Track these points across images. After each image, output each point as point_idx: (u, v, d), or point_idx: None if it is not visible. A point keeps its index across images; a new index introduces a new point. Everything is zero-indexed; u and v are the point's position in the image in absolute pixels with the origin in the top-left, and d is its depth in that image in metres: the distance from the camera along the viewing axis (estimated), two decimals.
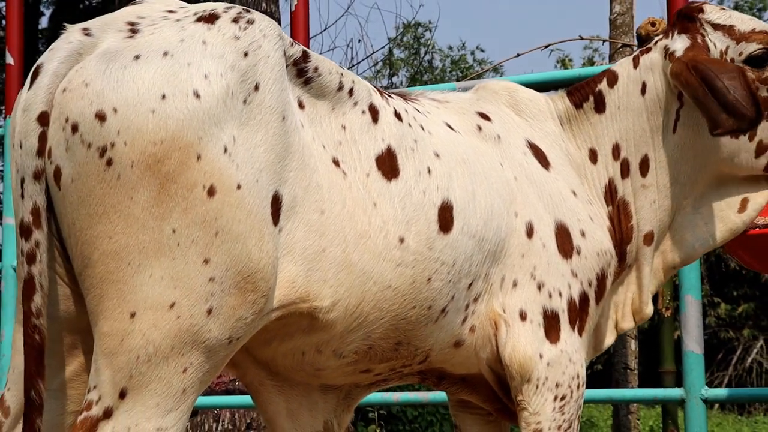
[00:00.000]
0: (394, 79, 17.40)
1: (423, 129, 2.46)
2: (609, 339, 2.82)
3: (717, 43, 2.69)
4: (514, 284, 2.50)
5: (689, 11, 2.76)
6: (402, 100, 2.53)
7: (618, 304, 2.81)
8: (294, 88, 2.23)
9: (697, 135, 2.71)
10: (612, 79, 2.81)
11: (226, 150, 1.99)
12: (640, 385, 5.67)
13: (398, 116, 2.41)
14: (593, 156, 2.78)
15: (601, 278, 2.64)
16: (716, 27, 2.71)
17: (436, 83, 17.39)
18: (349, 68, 11.08)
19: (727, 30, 2.70)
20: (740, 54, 2.67)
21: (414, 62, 18.16)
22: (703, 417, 3.82)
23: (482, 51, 18.98)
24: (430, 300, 2.35)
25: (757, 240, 2.97)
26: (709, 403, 3.87)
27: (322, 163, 2.20)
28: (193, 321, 1.95)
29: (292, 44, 2.25)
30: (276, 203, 2.08)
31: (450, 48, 19.22)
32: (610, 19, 5.05)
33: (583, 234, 2.61)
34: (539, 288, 2.52)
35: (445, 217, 2.36)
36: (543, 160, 2.67)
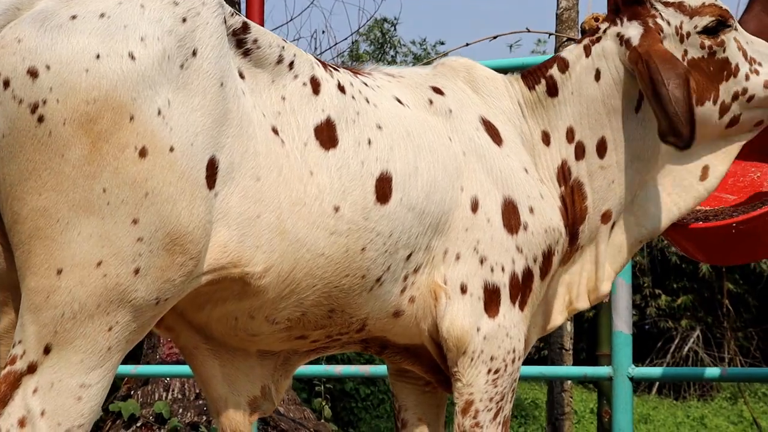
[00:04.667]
0: None
1: (368, 102, 2.38)
2: (558, 319, 2.73)
3: (671, 20, 2.64)
4: (457, 257, 2.42)
5: None
6: (350, 74, 2.44)
7: (572, 284, 2.72)
8: (234, 57, 2.15)
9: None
10: (563, 65, 2.71)
11: (159, 112, 1.91)
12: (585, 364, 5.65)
13: (341, 89, 2.33)
14: (546, 138, 2.69)
15: (548, 255, 2.55)
16: (666, 4, 2.66)
17: None
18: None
19: (678, 6, 2.66)
20: (695, 27, 2.63)
21: (379, 57, 18.09)
22: (629, 394, 3.84)
23: (442, 44, 18.86)
24: (363, 269, 2.27)
25: (700, 233, 2.90)
26: (635, 381, 3.86)
27: (260, 131, 2.13)
28: (120, 280, 1.88)
29: (233, 14, 2.17)
30: (212, 168, 2.01)
31: (413, 43, 19.17)
32: (556, 14, 5.02)
33: (531, 210, 2.52)
34: (481, 262, 2.44)
35: (383, 189, 2.28)
36: (496, 136, 2.57)
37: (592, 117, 2.67)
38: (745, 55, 2.68)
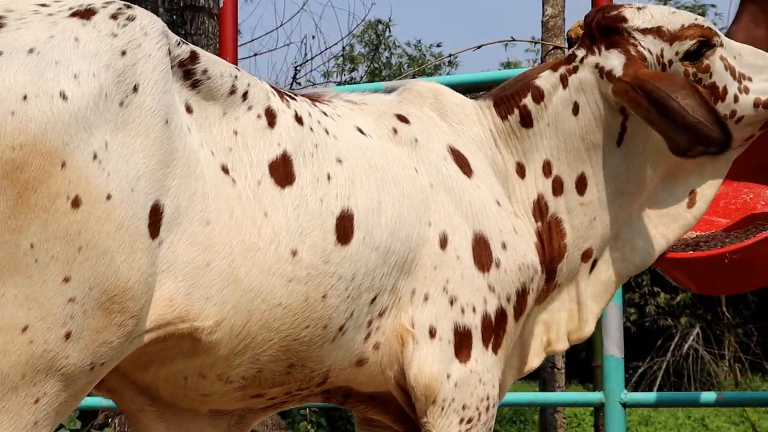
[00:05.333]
0: (354, 74, 17.16)
1: (327, 133, 2.21)
2: (535, 360, 2.55)
3: (651, 48, 2.45)
4: (425, 298, 2.25)
5: (611, 22, 2.49)
6: (309, 103, 2.27)
7: (550, 324, 2.55)
8: (181, 90, 1.97)
9: (647, 141, 2.48)
10: (537, 95, 2.53)
11: (95, 157, 1.74)
12: (580, 376, 5.49)
13: (299, 120, 2.16)
14: (520, 170, 2.51)
15: (522, 294, 2.38)
16: (645, 32, 2.46)
17: (394, 77, 17.19)
18: (303, 63, 10.93)
19: (656, 32, 2.46)
20: (677, 54, 2.45)
21: (374, 58, 17.92)
22: (622, 421, 3.67)
23: (439, 46, 18.68)
24: (325, 318, 2.09)
25: (691, 262, 2.72)
26: (628, 407, 3.68)
27: (209, 171, 1.95)
28: (48, 346, 1.69)
29: (179, 44, 2.00)
30: (156, 214, 1.83)
31: (408, 44, 18.98)
32: (542, 22, 4.86)
33: (504, 246, 2.35)
34: (451, 302, 2.26)
35: (344, 227, 2.10)
36: (465, 166, 2.40)
37: (571, 152, 2.50)
38: (733, 73, 2.51)
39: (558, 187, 2.50)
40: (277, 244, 2.01)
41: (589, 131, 2.49)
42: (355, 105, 2.41)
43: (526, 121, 2.53)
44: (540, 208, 2.50)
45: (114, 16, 1.87)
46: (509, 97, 2.57)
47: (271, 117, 2.11)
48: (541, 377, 4.77)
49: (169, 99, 1.90)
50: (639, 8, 2.50)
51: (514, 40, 4.68)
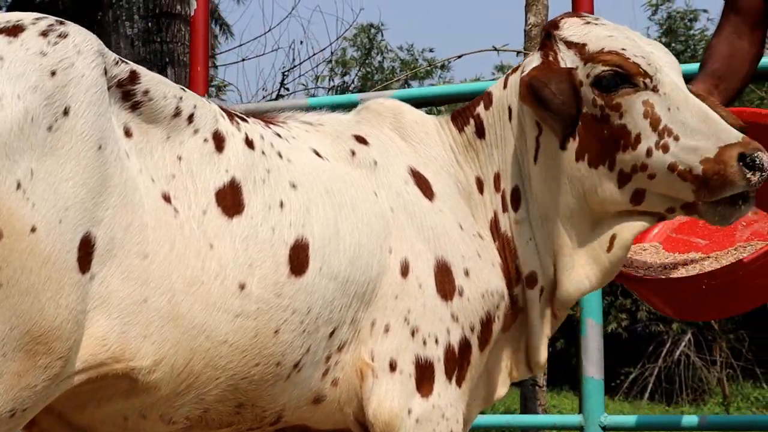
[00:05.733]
0: (346, 78, 17.03)
1: (281, 157, 2.09)
2: (502, 390, 2.44)
3: (568, 62, 2.30)
4: (386, 329, 2.13)
5: (548, 27, 2.38)
6: (262, 125, 2.16)
7: (513, 352, 2.43)
8: (119, 113, 1.85)
9: (556, 164, 2.31)
10: (488, 102, 2.43)
11: (19, 186, 1.62)
12: (570, 381, 5.35)
13: (250, 143, 2.04)
14: (480, 185, 2.40)
15: (487, 322, 2.26)
16: (569, 45, 2.31)
17: (385, 81, 17.06)
18: (291, 68, 10.81)
19: (579, 48, 2.29)
20: (587, 76, 2.26)
21: (366, 62, 17.80)
22: None
23: (431, 51, 18.53)
24: (278, 355, 1.96)
25: (667, 287, 2.58)
26: (608, 430, 3.55)
27: (149, 199, 1.83)
28: None
29: (118, 63, 1.87)
30: (86, 246, 1.71)
31: (400, 48, 18.86)
32: (525, 30, 4.75)
33: (466, 273, 2.24)
34: (413, 334, 2.14)
35: (299, 258, 1.99)
36: (426, 189, 2.29)
37: (509, 163, 2.38)
38: (655, 124, 2.23)
39: (504, 203, 2.39)
40: (223, 278, 1.89)
41: (519, 139, 2.37)
42: (312, 126, 2.30)
43: (480, 131, 2.42)
44: (497, 227, 2.38)
45: (44, 33, 1.76)
46: (466, 108, 2.47)
47: (219, 141, 2.00)
48: (522, 394, 4.65)
49: (104, 122, 1.79)
50: (587, 22, 2.35)
51: (495, 49, 4.56)
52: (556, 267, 2.36)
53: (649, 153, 2.23)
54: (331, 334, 2.07)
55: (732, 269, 2.44)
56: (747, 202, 2.22)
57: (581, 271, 2.34)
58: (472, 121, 2.43)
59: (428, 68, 17.59)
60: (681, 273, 2.60)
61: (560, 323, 2.50)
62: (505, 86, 2.41)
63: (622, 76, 2.24)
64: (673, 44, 16.39)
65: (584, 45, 2.29)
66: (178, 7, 5.52)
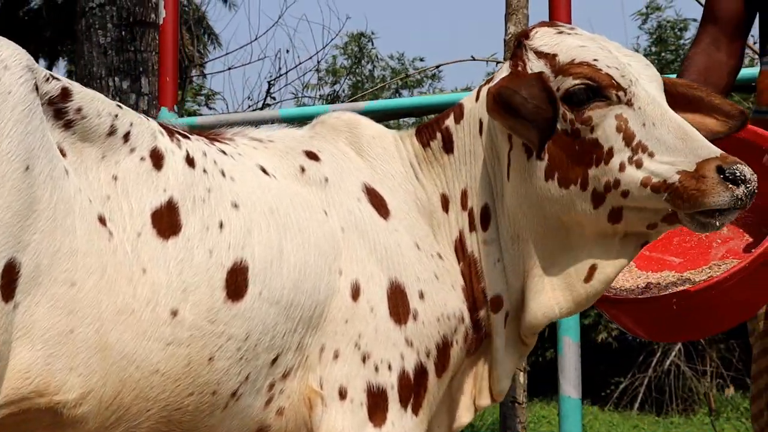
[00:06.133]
0: (336, 87, 16.96)
1: (223, 175, 1.99)
2: (466, 416, 2.31)
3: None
4: (335, 355, 2.03)
5: (519, 36, 2.27)
6: (205, 142, 2.06)
7: (477, 378, 2.31)
8: (52, 131, 1.75)
9: (527, 182, 2.18)
10: (459, 114, 2.31)
11: None
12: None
13: (190, 161, 1.94)
14: (445, 203, 2.27)
15: (444, 347, 2.15)
16: (540, 55, 2.18)
17: (377, 91, 16.99)
18: (277, 77, 10.73)
19: (550, 59, 2.16)
20: (557, 89, 2.13)
21: (356, 71, 17.72)
22: None
23: (422, 60, 18.46)
24: (213, 384, 1.86)
25: (638, 308, 2.46)
26: None
27: (82, 223, 1.73)
28: None
29: (49, 79, 1.77)
30: (10, 273, 1.61)
31: (391, 57, 18.78)
32: (504, 40, 4.64)
33: (422, 295, 2.13)
34: (364, 360, 2.04)
35: (237, 281, 1.89)
36: (382, 207, 2.18)
37: (478, 179, 2.26)
38: (629, 139, 2.11)
39: (472, 222, 2.26)
40: (155, 305, 1.80)
41: (490, 155, 2.25)
42: (260, 143, 2.20)
43: (448, 145, 2.30)
44: (462, 247, 2.26)
45: None
46: (434, 121, 2.35)
47: (157, 159, 1.90)
48: (502, 413, 4.53)
49: (33, 141, 1.69)
50: (560, 32, 2.23)
51: (474, 59, 4.46)
52: (525, 290, 2.23)
53: (621, 167, 2.10)
54: (274, 360, 1.97)
55: (704, 288, 2.33)
56: (726, 212, 2.08)
57: (551, 295, 2.22)
58: (439, 135, 2.31)
59: (418, 77, 17.52)
60: (653, 293, 2.48)
61: (529, 350, 2.38)
62: (477, 98, 2.29)
63: (594, 89, 2.12)
64: (663, 54, 16.33)
65: (555, 55, 2.17)
66: (153, 15, 5.41)
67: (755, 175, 2.07)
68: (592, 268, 2.19)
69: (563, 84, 2.13)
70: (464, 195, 2.27)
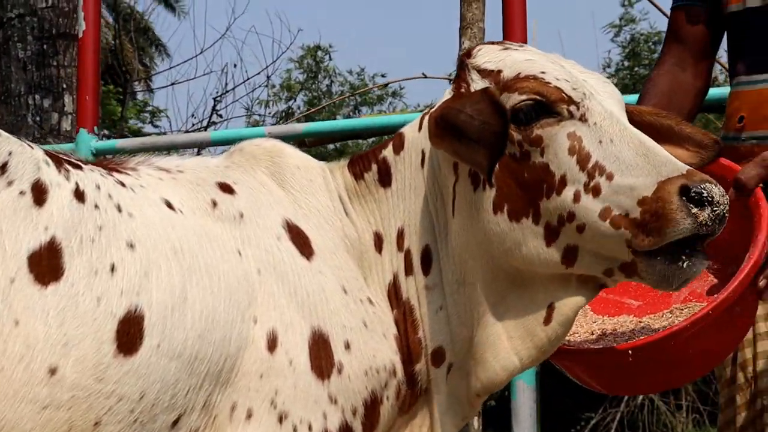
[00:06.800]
0: (291, 103, 16.86)
1: (119, 210, 1.87)
2: None
3: None
4: (248, 415, 1.92)
5: (461, 56, 2.18)
6: (101, 173, 1.94)
7: None
8: None
9: (474, 218, 2.07)
10: (398, 144, 2.20)
11: None
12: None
13: (79, 195, 1.82)
14: (378, 242, 2.17)
15: (372, 404, 2.04)
16: (483, 73, 2.09)
17: (334, 108, 16.90)
18: (224, 93, 10.61)
19: (494, 76, 2.07)
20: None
21: (312, 86, 17.62)
22: None
23: (383, 76, 18.37)
24: None
25: (592, 358, 2.35)
26: None
27: None
28: None
29: None
30: None
31: (350, 72, 18.70)
32: (459, 56, 4.57)
33: (348, 346, 2.02)
34: (281, 420, 1.93)
35: (130, 333, 1.77)
36: (304, 245, 2.07)
37: (419, 217, 2.15)
38: (583, 161, 1.98)
39: (409, 264, 2.15)
40: (29, 361, 1.68)
41: (432, 190, 2.14)
42: (168, 173, 2.09)
43: (385, 178, 2.19)
44: (395, 292, 2.15)
45: None
46: (370, 152, 2.25)
47: (39, 193, 1.79)
48: None
49: None
50: (505, 48, 2.14)
51: (425, 76, 4.37)
52: (476, 341, 2.11)
53: (576, 198, 1.97)
54: (175, 422, 1.85)
55: (663, 339, 2.22)
56: (693, 257, 1.95)
57: (508, 344, 2.10)
58: (375, 167, 2.21)
59: (379, 93, 17.44)
60: (608, 341, 2.37)
61: (474, 413, 2.25)
62: (419, 127, 2.18)
63: (542, 105, 2.00)
64: (636, 68, 16.38)
65: (499, 71, 2.07)
66: (77, 27, 5.26)
67: (726, 198, 1.93)
68: (550, 309, 2.07)
69: (509, 101, 2.02)
70: (401, 234, 2.16)
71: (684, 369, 2.37)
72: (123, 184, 1.94)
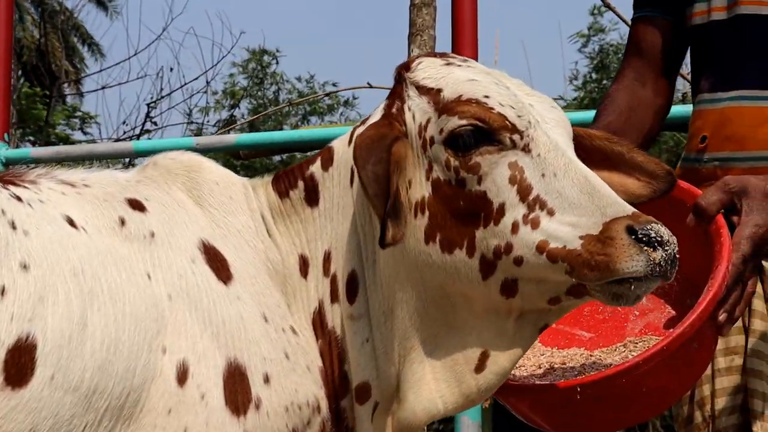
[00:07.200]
0: (234, 111, 16.81)
1: (13, 227, 1.83)
2: None
3: (417, 113, 2.06)
4: None
5: (399, 68, 2.15)
6: None
7: None
8: None
9: (404, 246, 2.05)
10: (327, 159, 2.18)
11: None
12: None
13: None
14: (304, 266, 2.14)
15: None
16: (422, 90, 2.07)
17: (280, 116, 16.86)
18: (159, 99, 10.51)
19: (433, 95, 2.05)
20: (441, 131, 2.01)
21: (257, 93, 17.58)
22: None
23: (334, 85, 18.38)
24: None
25: (539, 395, 2.32)
26: None
27: None
28: None
29: None
30: None
31: (298, 79, 18.68)
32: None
33: (267, 379, 1.99)
34: None
35: (19, 363, 1.74)
36: (222, 268, 2.04)
37: (344, 240, 2.13)
38: (524, 193, 1.98)
39: (335, 291, 2.13)
40: None
41: (361, 211, 2.12)
42: (72, 187, 2.04)
43: (312, 196, 2.17)
44: (321, 320, 2.13)
45: None
46: (297, 167, 2.22)
47: None
48: None
49: None
50: (448, 63, 2.12)
51: (370, 86, 4.35)
52: (401, 378, 2.10)
53: (514, 228, 1.97)
54: None
55: (613, 375, 2.20)
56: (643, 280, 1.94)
57: (434, 387, 2.08)
58: (301, 184, 2.18)
59: (330, 103, 17.43)
60: (556, 376, 2.35)
61: None
62: (350, 142, 2.15)
63: (483, 132, 1.99)
64: (605, 81, 16.51)
65: (439, 90, 2.05)
66: None
67: (674, 238, 1.95)
68: (484, 356, 2.06)
69: (447, 124, 2.01)
70: (327, 258, 2.14)
71: (638, 408, 2.35)
72: (19, 199, 1.90)
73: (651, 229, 1.89)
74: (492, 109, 2.00)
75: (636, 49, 2.90)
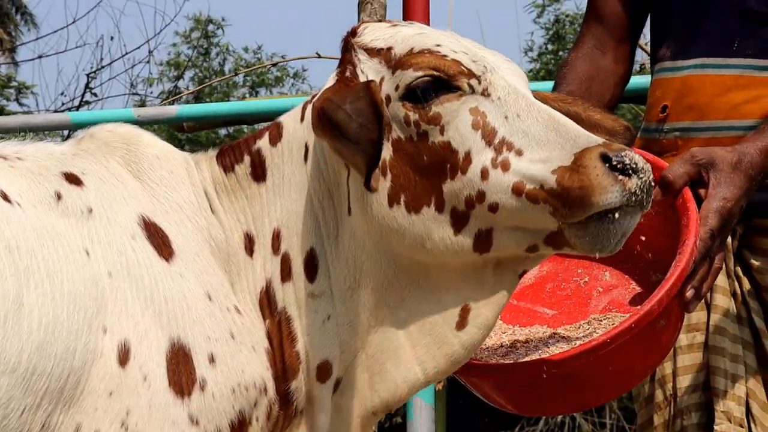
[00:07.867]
0: (179, 82, 16.66)
1: None
2: None
3: (370, 74, 2.09)
4: None
5: (346, 36, 2.17)
6: None
7: None
8: None
9: (368, 213, 2.07)
10: (275, 135, 2.18)
11: None
12: None
13: None
14: (249, 244, 2.14)
15: (240, 426, 2.02)
16: (371, 52, 2.10)
17: (227, 88, 16.75)
18: (98, 69, 10.40)
19: (384, 54, 2.08)
20: (396, 88, 2.04)
21: (202, 64, 17.45)
22: None
23: (283, 58, 18.31)
24: None
25: (501, 373, 2.32)
26: None
27: None
28: None
29: None
30: None
31: (245, 50, 18.57)
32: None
33: (212, 359, 1.99)
34: None
35: None
36: (163, 245, 2.04)
37: (302, 217, 2.13)
38: (489, 137, 2.00)
39: (286, 270, 2.13)
40: None
41: (317, 188, 2.13)
42: (5, 161, 2.03)
43: (259, 172, 2.17)
44: (268, 300, 2.13)
45: None
46: (242, 142, 2.22)
47: None
48: None
49: None
50: (393, 25, 2.15)
51: (319, 56, 4.33)
52: (374, 350, 2.12)
53: (484, 174, 1.99)
54: None
55: (580, 354, 2.20)
56: (621, 211, 1.95)
57: (411, 354, 2.11)
58: (247, 159, 2.18)
59: (278, 75, 17.32)
60: (519, 354, 2.35)
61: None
62: (302, 117, 2.17)
63: (440, 81, 2.02)
64: (561, 52, 16.55)
65: (390, 49, 2.08)
66: None
67: (649, 165, 1.96)
68: (464, 311, 2.08)
69: (402, 79, 2.04)
70: (277, 236, 2.14)
71: (601, 388, 2.37)
72: None
73: (625, 156, 1.91)
74: (446, 56, 2.03)
75: (595, 15, 2.90)
